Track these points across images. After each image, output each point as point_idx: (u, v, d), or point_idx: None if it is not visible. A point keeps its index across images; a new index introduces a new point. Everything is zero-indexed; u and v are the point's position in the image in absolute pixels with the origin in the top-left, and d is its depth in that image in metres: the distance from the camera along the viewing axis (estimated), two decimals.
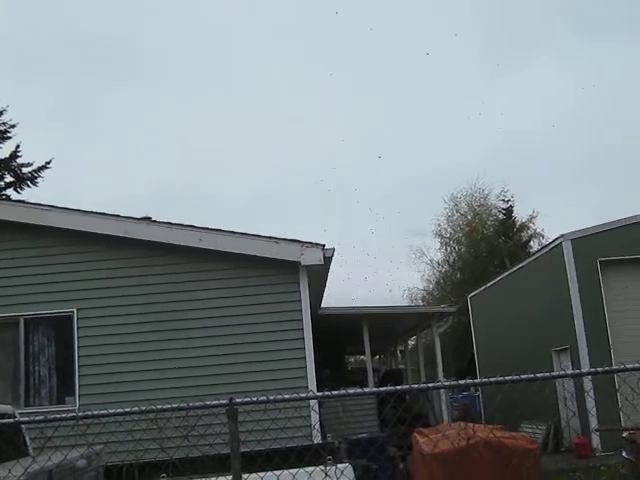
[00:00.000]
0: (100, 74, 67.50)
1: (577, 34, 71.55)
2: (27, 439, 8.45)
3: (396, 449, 13.21)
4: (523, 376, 4.95)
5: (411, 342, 32.80)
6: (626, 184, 54.71)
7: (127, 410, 5.00)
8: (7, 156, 34.02)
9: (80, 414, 5.23)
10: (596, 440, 16.19)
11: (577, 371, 5.37)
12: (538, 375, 4.95)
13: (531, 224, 42.05)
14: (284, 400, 5.08)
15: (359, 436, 12.95)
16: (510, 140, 64.43)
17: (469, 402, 30.16)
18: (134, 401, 7.28)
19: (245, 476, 4.88)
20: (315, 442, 10.07)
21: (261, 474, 5.29)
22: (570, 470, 13.75)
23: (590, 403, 14.86)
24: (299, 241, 11.80)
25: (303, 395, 5.13)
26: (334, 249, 11.97)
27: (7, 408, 8.39)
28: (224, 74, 74.25)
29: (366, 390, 5.18)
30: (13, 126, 34.21)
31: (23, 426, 8.12)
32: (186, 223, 12.02)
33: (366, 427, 15.63)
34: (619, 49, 64.71)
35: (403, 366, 31.57)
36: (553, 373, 5.13)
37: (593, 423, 15.82)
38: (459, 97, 69.00)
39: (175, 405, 5.04)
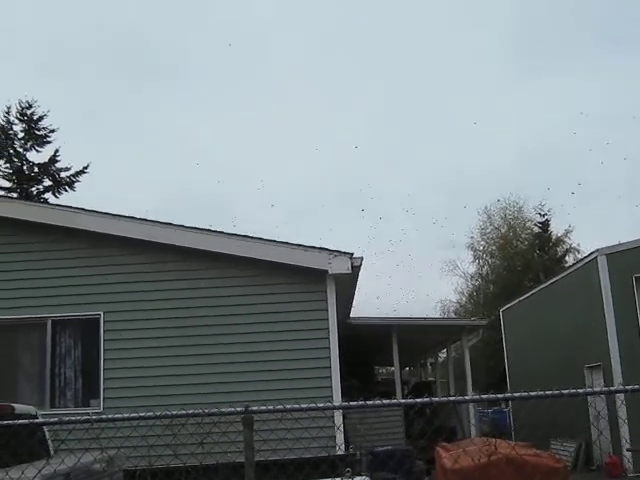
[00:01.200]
0: (133, 81, 68.25)
1: (612, 44, 70.66)
2: (49, 441, 8.44)
3: (422, 463, 13.04)
4: (548, 392, 4.80)
5: (442, 355, 32.50)
6: None
7: (142, 415, 4.95)
8: (46, 160, 34.52)
9: (94, 417, 5.18)
10: (628, 460, 15.84)
11: (605, 389, 5.22)
12: (564, 392, 4.81)
13: (567, 238, 41.57)
14: (301, 409, 4.99)
15: (383, 448, 12.79)
16: (546, 152, 63.78)
17: (499, 417, 29.82)
18: (157, 406, 7.24)
19: None
20: (337, 453, 9.92)
21: None
22: None
23: (622, 422, 14.54)
24: (327, 249, 11.70)
25: (321, 405, 5.04)
26: (362, 258, 11.84)
27: (30, 409, 8.39)
28: (250, 83, 74.54)
29: (385, 402, 5.04)
30: (53, 131, 34.75)
31: (45, 428, 8.13)
32: (216, 229, 12.00)
33: (392, 439, 15.47)
34: None
35: (433, 379, 31.27)
36: (579, 390, 4.97)
37: (625, 442, 15.48)
38: (493, 108, 68.56)
39: (190, 411, 4.97)
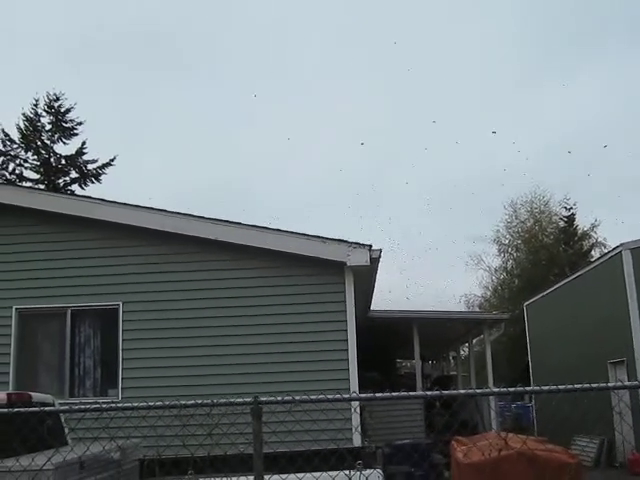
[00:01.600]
0: (161, 73, 68.54)
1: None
2: (65, 429, 8.51)
3: (441, 456, 12.97)
4: (561, 387, 4.73)
5: (466, 348, 32.38)
6: None
7: (150, 404, 4.95)
8: (73, 153, 34.86)
9: (104, 406, 5.20)
10: None
11: (619, 384, 5.12)
12: (577, 386, 4.73)
13: (593, 233, 41.15)
14: (310, 401, 4.96)
15: (402, 441, 12.75)
16: (574, 145, 63.16)
17: (522, 412, 29.64)
18: (174, 396, 7.24)
19: (267, 477, 4.77)
20: (350, 446, 9.89)
21: (283, 476, 5.17)
22: None
23: None
24: (346, 241, 11.66)
25: (330, 396, 5.00)
26: (381, 250, 11.79)
27: (47, 397, 8.45)
28: (276, 78, 74.50)
29: (394, 394, 4.98)
30: (80, 123, 35.14)
31: (62, 416, 8.19)
32: (233, 220, 11.99)
33: (412, 433, 15.43)
34: None
35: (455, 372, 31.15)
36: (593, 385, 4.89)
37: None
38: (520, 99, 67.97)
39: (199, 401, 4.97)
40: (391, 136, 74.10)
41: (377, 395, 5.01)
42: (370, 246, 11.69)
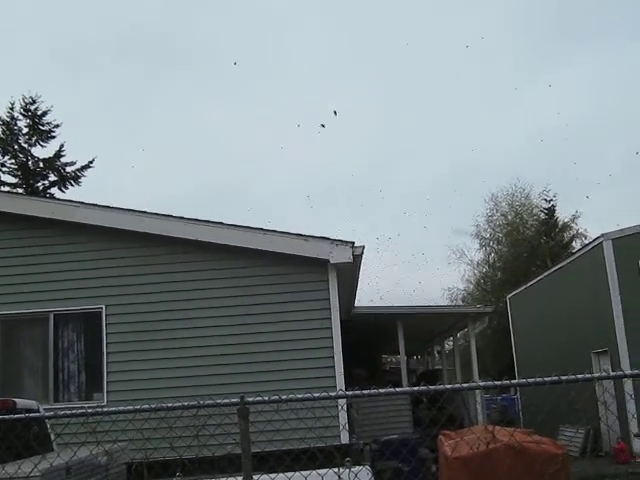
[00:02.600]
0: (142, 74, 68.24)
1: (624, 32, 70.28)
2: (51, 435, 8.44)
3: (429, 451, 12.99)
4: (547, 378, 4.75)
5: (450, 343, 32.47)
6: None
7: (137, 407, 4.92)
8: (51, 155, 34.61)
9: (90, 410, 5.16)
10: (637, 446, 15.78)
11: (604, 374, 5.15)
12: (562, 377, 4.75)
13: (574, 224, 41.39)
14: (297, 400, 4.95)
15: (389, 437, 12.76)
16: (554, 138, 63.51)
17: (508, 404, 29.76)
18: (160, 398, 7.22)
19: (256, 477, 4.75)
20: (338, 444, 9.89)
21: (272, 475, 5.15)
22: (606, 475, 13.39)
23: (631, 407, 14.48)
24: (328, 239, 11.65)
25: (317, 395, 4.99)
26: (364, 247, 11.78)
27: (32, 403, 8.38)
28: (263, 77, 74.29)
29: (381, 390, 4.98)
30: (57, 126, 34.88)
31: (47, 422, 8.12)
32: (215, 220, 11.95)
33: (399, 428, 15.44)
34: None
35: (440, 367, 31.25)
36: (579, 375, 4.91)
37: (634, 428, 15.42)
38: (501, 93, 68.26)
39: (185, 403, 4.94)
40: (378, 130, 74.15)
41: (364, 392, 5.00)
42: (352, 243, 11.69)
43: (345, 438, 10.89)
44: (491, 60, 69.75)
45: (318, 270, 11.73)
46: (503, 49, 71.84)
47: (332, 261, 11.60)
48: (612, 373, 5.24)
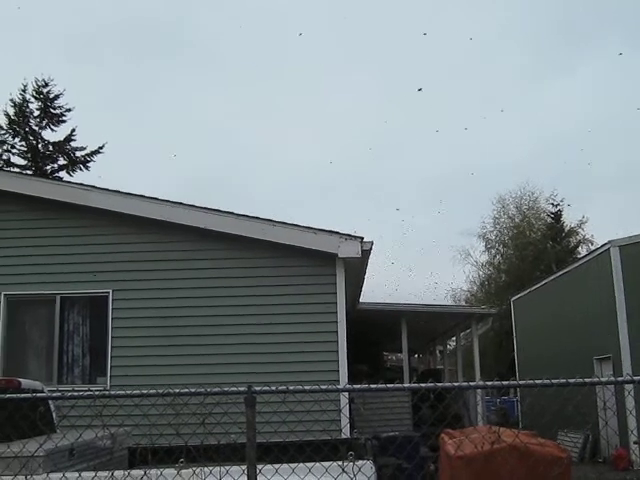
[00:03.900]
0: (151, 60, 68.23)
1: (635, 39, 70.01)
2: (55, 416, 8.46)
3: (428, 449, 13.00)
4: (554, 380, 4.75)
5: (452, 343, 32.48)
6: None
7: (144, 392, 4.95)
8: (62, 139, 34.63)
9: (97, 393, 5.18)
10: (634, 453, 15.77)
11: (612, 379, 5.15)
12: (570, 381, 4.75)
13: (580, 229, 41.40)
14: (304, 391, 4.96)
15: (389, 434, 12.76)
16: (563, 142, 63.38)
17: (507, 406, 29.79)
18: (163, 385, 7.22)
19: (260, 466, 4.76)
20: (340, 437, 9.89)
21: (276, 465, 5.16)
22: None
23: (629, 414, 14.46)
24: (337, 232, 11.63)
25: (324, 387, 5.01)
26: (372, 242, 11.77)
27: (36, 384, 8.40)
28: (266, 66, 74.24)
29: (389, 385, 4.99)
30: (69, 110, 34.92)
31: (51, 403, 8.14)
32: (224, 210, 11.95)
33: (399, 425, 15.47)
34: None
35: (442, 366, 31.26)
36: (586, 379, 4.91)
37: (633, 435, 15.41)
38: (513, 94, 68.05)
39: (193, 390, 4.96)
40: (386, 128, 74.08)
41: (372, 386, 5.01)
42: (362, 238, 11.67)
43: (348, 432, 10.89)
44: (501, 60, 69.56)
45: (326, 264, 11.71)
46: (513, 50, 71.57)
47: (340, 255, 11.57)
48: (620, 378, 5.24)
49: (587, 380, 4.86)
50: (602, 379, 5.08)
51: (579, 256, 33.92)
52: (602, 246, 18.40)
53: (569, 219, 41.59)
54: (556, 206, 41.67)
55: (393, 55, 73.54)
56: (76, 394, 5.11)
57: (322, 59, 76.49)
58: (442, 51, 72.25)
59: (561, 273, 22.24)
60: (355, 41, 76.21)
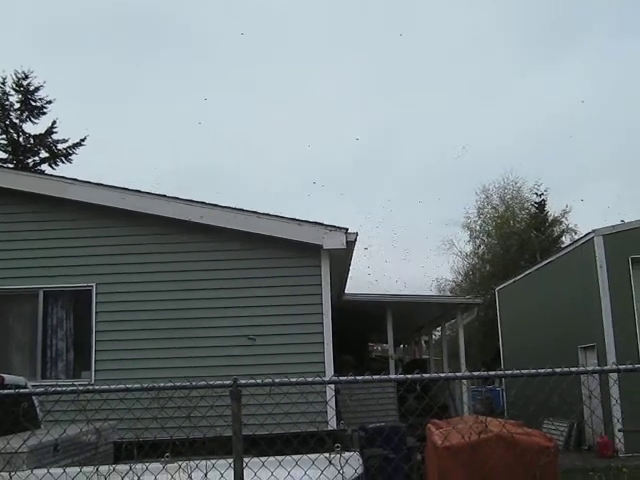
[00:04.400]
0: (136, 52, 67.78)
1: (620, 30, 70.26)
2: (39, 411, 8.39)
3: (414, 440, 13.01)
4: (540, 370, 4.74)
5: (437, 333, 32.59)
6: None
7: (128, 386, 4.88)
8: (43, 132, 34.34)
9: (81, 388, 5.12)
10: (619, 440, 15.87)
11: (598, 368, 5.16)
12: (557, 370, 4.74)
13: (564, 219, 41.57)
14: (290, 384, 4.92)
15: (375, 425, 12.76)
16: (548, 132, 63.62)
17: (492, 396, 29.93)
18: (148, 378, 7.18)
19: (246, 460, 4.73)
20: (327, 429, 9.88)
21: (262, 458, 5.13)
22: (589, 469, 13.47)
23: (614, 402, 14.55)
24: (321, 224, 11.60)
25: (310, 379, 4.97)
26: (357, 233, 11.74)
27: (20, 379, 8.32)
28: (254, 59, 74.01)
29: (375, 377, 4.96)
30: (49, 102, 34.61)
31: (35, 398, 8.08)
32: (209, 202, 11.88)
33: (385, 416, 15.48)
34: None
35: (427, 357, 31.35)
36: (572, 369, 4.90)
37: (618, 423, 15.49)
38: (499, 85, 68.19)
39: (178, 384, 4.91)
40: (373, 119, 74.04)
41: (358, 378, 4.98)
42: (346, 229, 11.65)
43: (334, 424, 10.88)
44: (487, 52, 69.64)
45: (311, 255, 11.68)
46: (499, 42, 71.66)
47: (325, 247, 11.55)
48: (606, 367, 5.24)
49: (574, 369, 4.85)
50: (588, 368, 5.06)
51: (563, 245, 34.09)
52: (586, 235, 18.46)
53: (553, 209, 41.80)
54: (540, 196, 41.87)
55: (380, 48, 73.34)
56: (59, 389, 5.05)
57: (309, 50, 76.22)
58: (426, 45, 72.19)
59: (545, 262, 22.31)
60: (342, 33, 76.06)
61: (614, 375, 5.44)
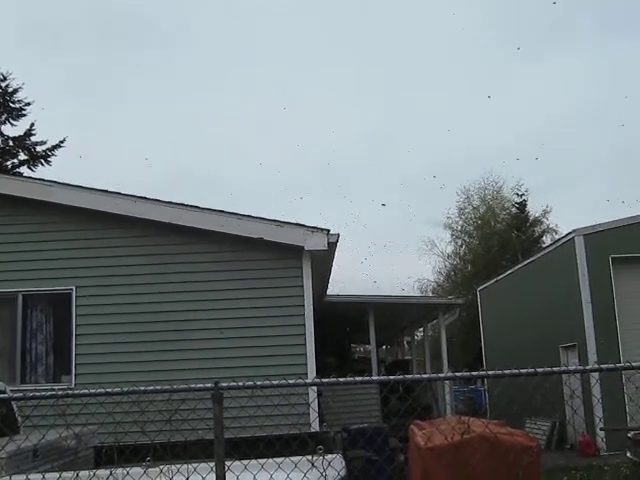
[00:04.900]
0: (116, 53, 67.48)
1: (602, 31, 70.80)
2: (18, 417, 8.29)
3: (397, 440, 13.01)
4: (523, 370, 4.74)
5: (420, 334, 32.65)
6: None
7: (109, 390, 4.83)
8: (21, 134, 34.03)
9: (60, 392, 5.06)
10: (601, 439, 15.95)
11: (580, 367, 5.16)
12: (539, 370, 4.74)
13: (544, 219, 41.78)
14: (272, 386, 4.90)
15: (358, 426, 12.74)
16: (528, 133, 63.96)
17: (475, 396, 30.02)
18: (129, 382, 7.11)
19: (228, 463, 4.69)
20: (309, 431, 9.85)
21: (244, 462, 5.08)
22: (571, 468, 13.51)
23: (596, 401, 14.62)
24: (303, 225, 11.58)
25: (291, 381, 4.95)
26: (339, 235, 11.73)
27: None
28: (237, 61, 73.93)
29: (358, 378, 4.94)
30: (28, 104, 34.23)
31: (14, 403, 7.98)
32: (189, 204, 11.82)
33: (368, 417, 15.46)
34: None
35: (410, 357, 31.40)
36: (555, 368, 4.91)
37: (600, 422, 15.57)
38: (479, 87, 68.49)
39: (158, 387, 4.86)
40: (356, 119, 74.14)
41: (340, 380, 4.96)
42: (328, 230, 11.64)
43: (317, 426, 10.85)
44: (469, 53, 69.94)
45: (292, 257, 11.66)
46: (480, 42, 72.01)
47: (307, 248, 11.53)
48: (588, 367, 5.24)
49: (556, 369, 4.86)
50: (570, 368, 5.07)
51: (544, 245, 34.26)
52: (566, 235, 18.56)
53: (534, 209, 42.01)
54: (521, 196, 42.04)
55: (365, 46, 73.49)
56: (38, 394, 4.98)
57: (291, 51, 76.19)
58: (408, 43, 72.45)
59: (526, 262, 22.41)
60: (323, 36, 76.12)
61: (596, 374, 5.43)
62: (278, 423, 7.98)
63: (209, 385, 4.63)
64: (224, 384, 4.64)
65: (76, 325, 11.58)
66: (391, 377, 5.13)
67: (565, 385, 16.49)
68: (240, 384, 4.73)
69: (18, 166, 34.15)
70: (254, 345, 11.37)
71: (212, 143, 72.06)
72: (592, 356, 16.39)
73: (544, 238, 40.73)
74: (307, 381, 5.09)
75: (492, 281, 25.86)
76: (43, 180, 12.38)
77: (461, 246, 44.39)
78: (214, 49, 73.24)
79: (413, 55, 73.36)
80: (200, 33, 73.55)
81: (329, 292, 17.49)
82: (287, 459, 5.20)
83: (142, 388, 4.81)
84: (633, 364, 4.74)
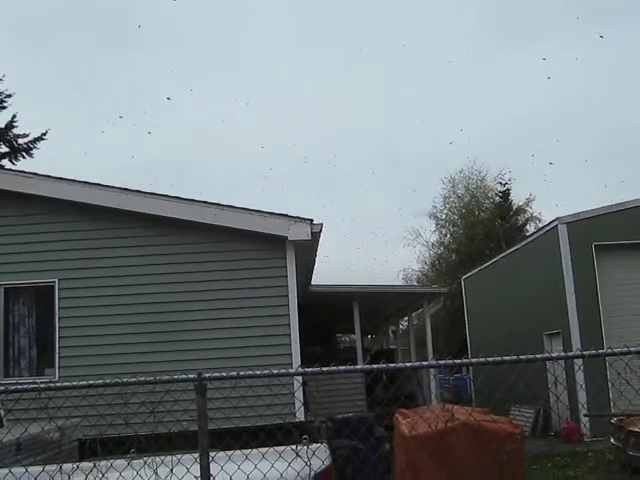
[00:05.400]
0: (98, 43, 67.00)
1: (587, 18, 70.96)
2: (0, 411, 8.25)
3: (382, 429, 13.04)
4: (506, 357, 4.74)
5: (405, 323, 32.71)
6: (630, 170, 54.54)
7: (91, 383, 4.79)
8: (2, 126, 33.71)
9: (42, 385, 5.02)
10: (585, 425, 16.06)
11: (562, 354, 5.17)
12: (522, 357, 4.75)
13: (528, 207, 41.90)
14: (255, 376, 4.88)
15: (343, 415, 12.77)
16: (511, 122, 64.09)
17: (460, 384, 30.13)
18: (113, 374, 7.08)
19: (212, 454, 4.67)
20: (294, 421, 9.87)
21: (229, 452, 5.07)
22: (556, 455, 13.61)
23: (579, 388, 14.72)
24: (286, 215, 11.56)
25: (275, 371, 4.93)
26: (322, 224, 11.72)
27: None
28: (221, 50, 73.56)
29: (342, 368, 4.93)
30: (9, 96, 33.91)
31: None
32: (172, 195, 11.76)
33: (353, 407, 15.49)
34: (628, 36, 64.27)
35: (395, 346, 31.48)
36: (537, 355, 4.91)
37: (584, 409, 15.67)
38: (464, 74, 68.56)
39: (142, 379, 4.83)
40: (340, 110, 74.07)
41: (324, 369, 4.94)
42: (311, 220, 11.62)
43: (302, 415, 10.87)
44: (452, 43, 69.93)
45: (276, 247, 11.64)
46: (464, 31, 72.02)
47: (290, 238, 11.51)
48: (570, 353, 5.26)
49: (539, 356, 4.86)
50: (553, 354, 5.07)
51: (527, 234, 34.39)
52: (550, 223, 18.63)
53: (517, 197, 42.13)
54: (504, 185, 42.15)
55: (352, 40, 73.34)
56: (20, 387, 4.94)
57: (276, 43, 75.91)
58: (390, 31, 72.36)
59: (510, 251, 22.49)
60: (310, 25, 75.90)
61: (579, 361, 5.46)
62: (262, 413, 7.97)
63: (192, 376, 4.60)
64: (207, 375, 4.61)
65: (59, 318, 11.52)
66: (374, 366, 5.13)
67: (549, 372, 16.56)
68: (223, 374, 4.70)
69: None
70: (238, 336, 11.35)
71: (187, 134, 71.73)
72: (576, 343, 16.50)
73: (528, 226, 40.90)
74: (291, 371, 5.05)
75: (476, 270, 25.95)
76: (25, 172, 12.27)
77: (445, 235, 44.49)
78: (194, 42, 72.73)
79: (398, 44, 73.25)
80: (185, 28, 73.07)
81: (313, 282, 17.48)
82: (271, 449, 5.20)
83: (125, 380, 4.78)
84: (615, 350, 4.76)
